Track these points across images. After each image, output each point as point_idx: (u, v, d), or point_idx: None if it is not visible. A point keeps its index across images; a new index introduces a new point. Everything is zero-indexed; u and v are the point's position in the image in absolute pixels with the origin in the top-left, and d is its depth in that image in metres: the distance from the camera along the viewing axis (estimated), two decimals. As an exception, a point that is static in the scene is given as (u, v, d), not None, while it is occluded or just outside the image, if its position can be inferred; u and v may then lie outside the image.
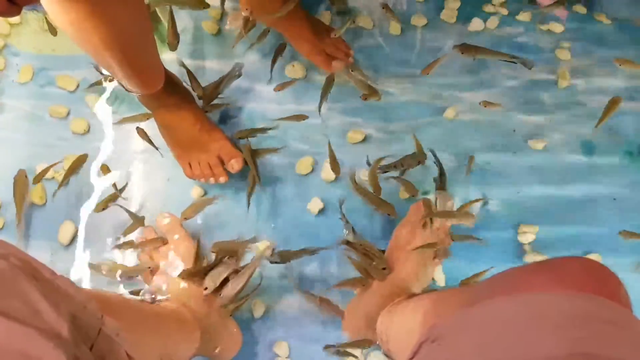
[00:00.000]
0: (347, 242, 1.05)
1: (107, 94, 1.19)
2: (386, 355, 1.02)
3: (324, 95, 1.13)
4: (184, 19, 1.23)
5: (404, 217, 1.09)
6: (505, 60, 1.15)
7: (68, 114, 1.18)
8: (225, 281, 1.01)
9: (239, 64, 1.17)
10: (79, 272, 1.10)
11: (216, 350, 1.00)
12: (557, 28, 1.24)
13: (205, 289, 0.98)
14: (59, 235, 1.11)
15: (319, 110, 1.14)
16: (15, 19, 1.22)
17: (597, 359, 0.41)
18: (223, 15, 1.23)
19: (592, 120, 1.18)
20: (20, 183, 1.10)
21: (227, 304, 1.01)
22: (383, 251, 1.06)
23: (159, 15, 1.18)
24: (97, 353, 0.52)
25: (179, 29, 1.13)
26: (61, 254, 1.10)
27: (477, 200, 1.12)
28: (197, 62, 1.21)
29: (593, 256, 1.11)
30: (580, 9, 1.25)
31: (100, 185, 1.15)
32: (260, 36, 1.17)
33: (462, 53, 1.14)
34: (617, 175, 1.16)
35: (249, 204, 1.10)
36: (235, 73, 1.16)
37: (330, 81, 1.15)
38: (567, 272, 0.51)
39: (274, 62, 1.18)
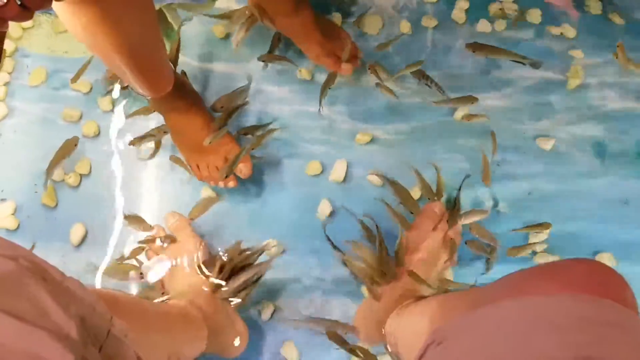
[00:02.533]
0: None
1: (118, 96, 1.20)
2: (395, 358, 1.02)
3: (323, 92, 1.15)
4: (193, 22, 1.23)
5: (414, 220, 1.09)
6: (515, 61, 1.15)
7: (80, 117, 1.19)
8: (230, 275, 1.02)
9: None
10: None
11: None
12: (568, 29, 1.23)
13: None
14: (70, 237, 1.12)
15: (320, 103, 1.15)
16: (27, 23, 1.23)
17: None
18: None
19: (603, 121, 1.18)
20: (68, 145, 1.11)
21: (228, 297, 1.01)
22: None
23: (169, 19, 1.19)
24: (106, 354, 0.52)
25: (190, 31, 1.15)
26: (72, 256, 1.11)
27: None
28: (206, 66, 1.21)
29: (605, 255, 1.10)
30: (595, 8, 1.25)
31: (112, 188, 1.16)
32: (273, 41, 1.19)
33: (474, 52, 1.14)
34: (629, 176, 1.16)
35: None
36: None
37: (331, 78, 1.16)
38: (572, 275, 0.51)
39: (270, 50, 1.19)
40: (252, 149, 1.12)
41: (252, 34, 1.18)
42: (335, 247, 1.05)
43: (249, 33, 1.15)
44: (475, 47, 1.15)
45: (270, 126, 1.15)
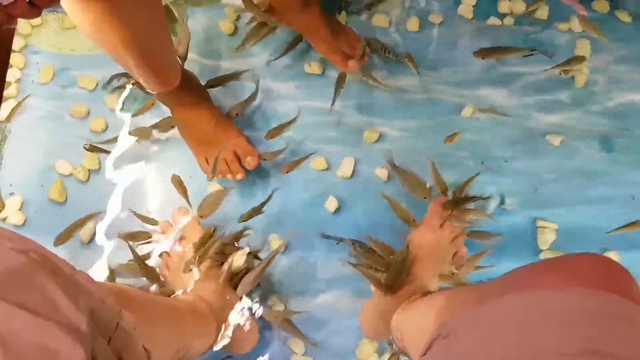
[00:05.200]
0: (357, 246, 1.06)
1: (125, 93, 1.21)
2: (402, 352, 1.02)
3: (336, 92, 1.15)
4: (200, 17, 1.24)
5: (422, 217, 1.09)
6: (526, 55, 1.15)
7: (88, 113, 1.20)
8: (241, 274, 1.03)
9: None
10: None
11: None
12: (576, 25, 1.23)
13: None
14: (79, 232, 1.13)
15: (333, 103, 1.16)
16: (35, 20, 1.24)
17: (607, 357, 0.41)
18: (240, 15, 1.24)
19: (611, 117, 1.17)
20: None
21: (242, 295, 1.03)
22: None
23: (175, 15, 1.20)
24: (115, 347, 0.53)
25: (195, 27, 1.15)
26: (81, 251, 1.12)
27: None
28: (213, 62, 1.22)
29: (611, 253, 1.10)
30: (603, 6, 1.24)
31: (120, 183, 1.16)
32: (291, 43, 1.20)
33: (484, 58, 1.14)
34: (636, 172, 1.15)
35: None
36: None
37: (342, 78, 1.16)
38: (577, 269, 0.51)
39: (284, 53, 1.19)
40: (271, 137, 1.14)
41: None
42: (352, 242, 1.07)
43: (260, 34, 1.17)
44: (484, 53, 1.15)
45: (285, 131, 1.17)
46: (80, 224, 1.12)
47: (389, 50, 1.18)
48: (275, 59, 1.20)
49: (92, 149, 1.15)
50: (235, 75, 1.19)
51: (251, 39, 1.17)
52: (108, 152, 1.16)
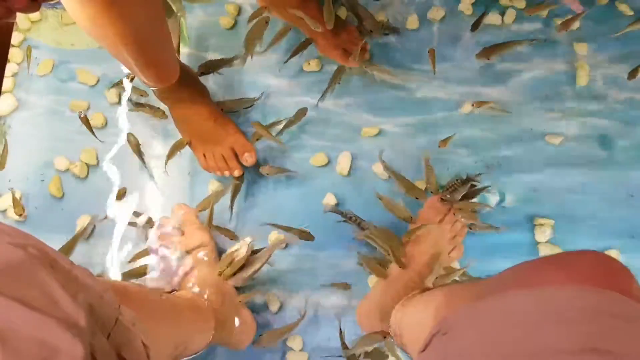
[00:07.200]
0: (364, 230, 1.06)
1: (126, 89, 1.20)
2: (400, 348, 1.02)
3: (330, 85, 1.16)
4: (199, 13, 1.23)
5: (420, 212, 1.09)
6: (528, 45, 1.18)
7: (88, 108, 1.20)
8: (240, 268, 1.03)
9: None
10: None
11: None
12: (575, 21, 1.22)
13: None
14: (77, 228, 1.12)
15: (323, 96, 1.16)
16: (34, 16, 1.24)
17: (607, 354, 0.41)
18: (240, 10, 1.24)
19: (610, 114, 1.17)
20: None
21: (238, 286, 1.03)
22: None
23: (174, 9, 1.19)
24: (114, 342, 0.53)
25: (194, 23, 1.14)
26: (79, 247, 1.12)
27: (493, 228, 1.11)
28: (211, 57, 1.21)
29: (611, 252, 1.10)
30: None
31: (118, 179, 1.16)
32: (300, 45, 1.18)
33: (488, 59, 1.14)
34: (635, 169, 1.15)
35: None
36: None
37: (339, 72, 1.15)
38: (577, 266, 0.51)
39: (293, 55, 1.18)
40: (257, 140, 1.13)
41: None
42: (352, 220, 1.07)
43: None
44: (487, 52, 1.15)
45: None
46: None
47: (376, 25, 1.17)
48: (285, 62, 1.19)
49: (85, 120, 1.12)
50: (227, 61, 1.18)
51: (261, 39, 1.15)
52: (95, 136, 1.14)
